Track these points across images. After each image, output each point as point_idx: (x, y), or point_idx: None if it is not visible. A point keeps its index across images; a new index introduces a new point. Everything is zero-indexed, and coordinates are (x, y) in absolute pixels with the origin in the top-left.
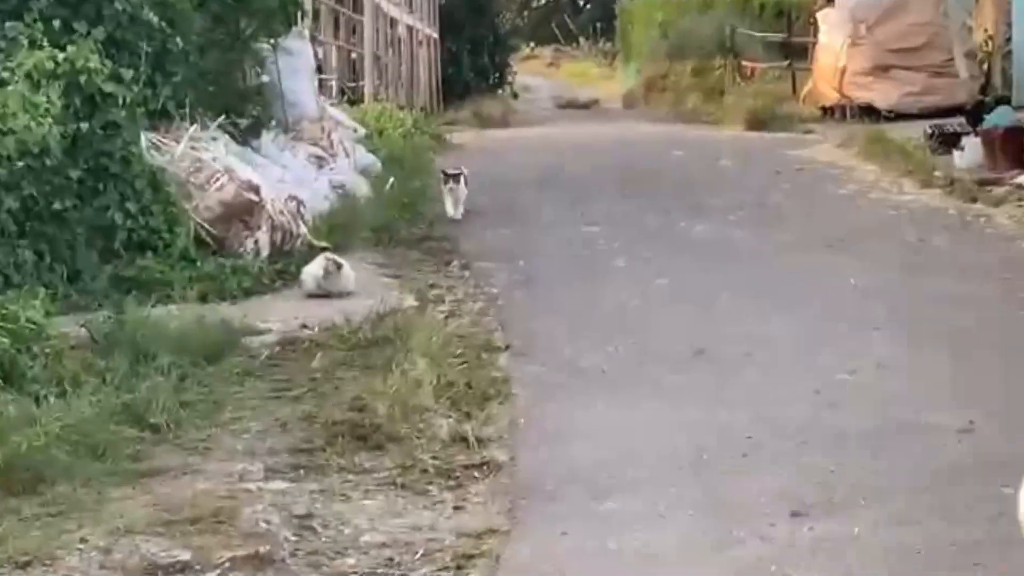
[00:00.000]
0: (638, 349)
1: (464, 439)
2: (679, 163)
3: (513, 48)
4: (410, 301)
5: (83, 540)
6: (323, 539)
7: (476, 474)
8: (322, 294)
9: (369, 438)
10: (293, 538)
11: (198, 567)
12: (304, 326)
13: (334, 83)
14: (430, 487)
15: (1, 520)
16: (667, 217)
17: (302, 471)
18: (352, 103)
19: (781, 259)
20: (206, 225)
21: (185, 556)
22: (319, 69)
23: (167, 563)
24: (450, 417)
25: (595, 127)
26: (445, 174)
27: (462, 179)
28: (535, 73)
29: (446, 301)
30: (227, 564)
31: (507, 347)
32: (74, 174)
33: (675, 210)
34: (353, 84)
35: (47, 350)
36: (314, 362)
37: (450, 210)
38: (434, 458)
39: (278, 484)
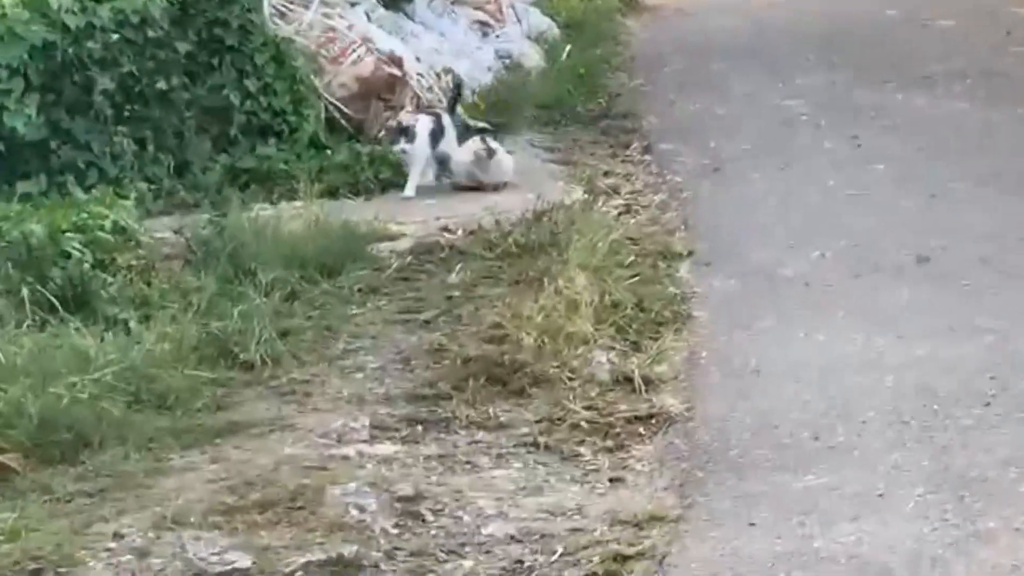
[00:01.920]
0: (849, 255)
1: (629, 380)
2: (892, 24)
3: None
4: (577, 194)
5: (117, 535)
6: (432, 531)
7: (641, 430)
8: (473, 186)
9: (509, 381)
10: (393, 531)
11: None
12: (445, 229)
13: None
14: (581, 449)
15: (22, 503)
16: (881, 89)
17: (419, 427)
18: None
19: (1020, 138)
20: (340, 105)
21: (244, 562)
22: None
23: (218, 572)
24: (613, 350)
25: None
26: (398, 125)
27: (421, 131)
28: None
29: (621, 193)
30: (299, 573)
31: (689, 253)
32: (182, 47)
33: (890, 80)
34: None
35: (133, 263)
36: (452, 276)
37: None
38: (589, 408)
39: (385, 448)
